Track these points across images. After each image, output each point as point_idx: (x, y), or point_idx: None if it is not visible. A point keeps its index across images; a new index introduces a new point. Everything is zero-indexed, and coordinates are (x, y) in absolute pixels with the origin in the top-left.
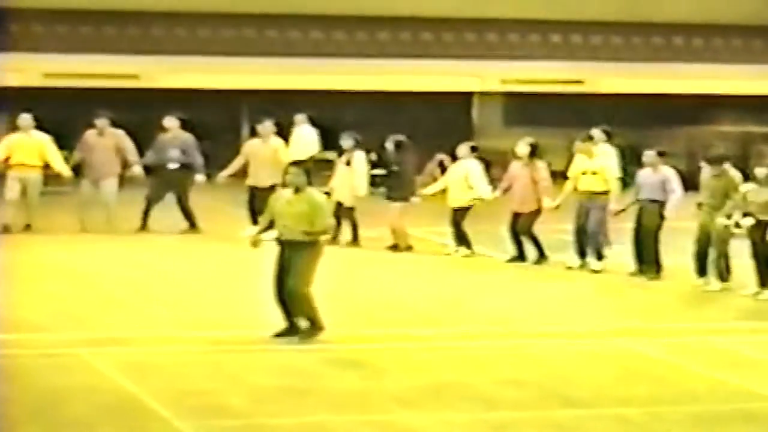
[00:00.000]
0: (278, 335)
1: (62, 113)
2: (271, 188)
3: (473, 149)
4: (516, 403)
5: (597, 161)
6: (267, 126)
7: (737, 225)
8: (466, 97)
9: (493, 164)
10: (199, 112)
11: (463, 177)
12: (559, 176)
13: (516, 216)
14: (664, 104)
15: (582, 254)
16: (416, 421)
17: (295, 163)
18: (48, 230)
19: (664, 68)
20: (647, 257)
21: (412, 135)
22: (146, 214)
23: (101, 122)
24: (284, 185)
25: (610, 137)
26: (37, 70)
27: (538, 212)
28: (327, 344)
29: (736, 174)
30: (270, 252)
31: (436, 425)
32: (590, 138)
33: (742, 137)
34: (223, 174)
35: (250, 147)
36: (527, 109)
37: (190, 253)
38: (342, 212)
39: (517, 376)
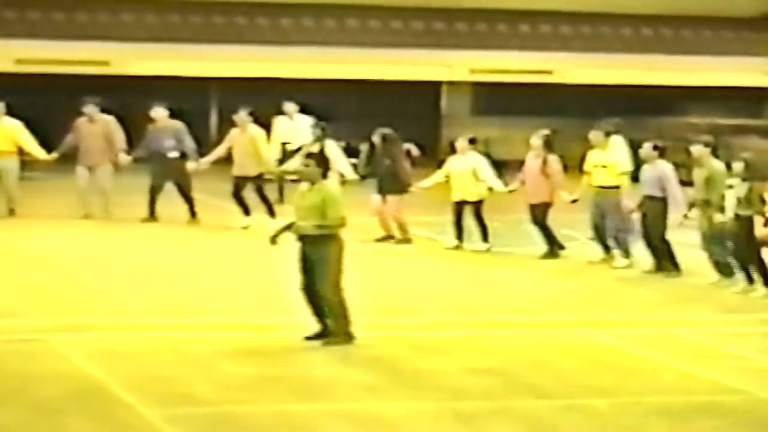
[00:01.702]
0: (309, 338)
1: (35, 99)
2: (258, 177)
3: (471, 141)
4: (484, 392)
5: (607, 155)
6: (242, 115)
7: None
8: (435, 86)
9: None
10: (168, 98)
11: (470, 171)
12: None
13: (529, 207)
14: (633, 95)
15: (606, 248)
16: (384, 409)
17: (309, 155)
18: (24, 216)
19: (633, 59)
20: (658, 254)
21: (380, 124)
22: (152, 203)
23: (90, 109)
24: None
25: (617, 131)
26: (9, 56)
27: (548, 205)
28: (296, 332)
29: (716, 164)
30: (246, 242)
31: (404, 414)
32: (609, 132)
33: (711, 129)
34: (205, 160)
35: (232, 136)
36: (496, 98)
37: (165, 240)
38: None
39: (486, 365)
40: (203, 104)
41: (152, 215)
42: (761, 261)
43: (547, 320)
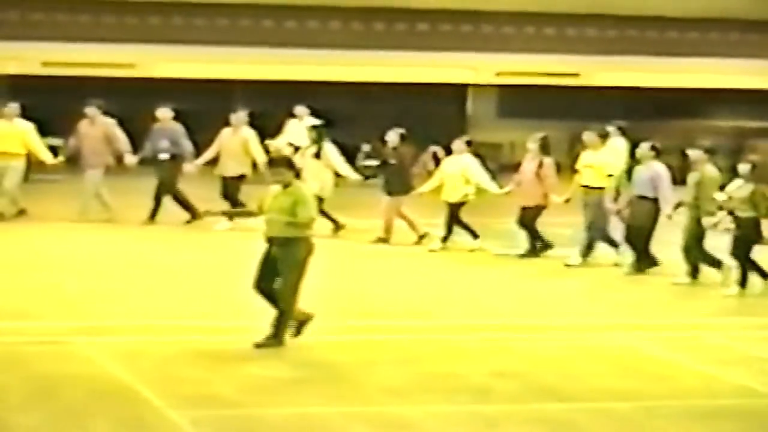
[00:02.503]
0: (258, 345)
1: (61, 101)
2: (239, 178)
3: (468, 144)
4: (507, 395)
5: (599, 156)
6: (240, 116)
7: (715, 224)
8: (461, 89)
9: (487, 157)
10: (194, 101)
11: (460, 172)
12: (558, 170)
13: (521, 209)
14: (659, 98)
15: (614, 246)
16: (408, 412)
17: (274, 162)
18: (40, 218)
19: (658, 62)
20: (637, 252)
21: (406, 127)
22: (183, 205)
23: (91, 111)
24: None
25: (624, 132)
26: (35, 59)
27: (540, 207)
28: (319, 335)
29: (708, 169)
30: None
31: (427, 417)
32: (603, 134)
33: (736, 131)
34: (197, 162)
35: (222, 136)
36: (522, 101)
37: (182, 242)
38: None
39: (509, 368)
40: (229, 107)
41: (194, 216)
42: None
43: (569, 323)
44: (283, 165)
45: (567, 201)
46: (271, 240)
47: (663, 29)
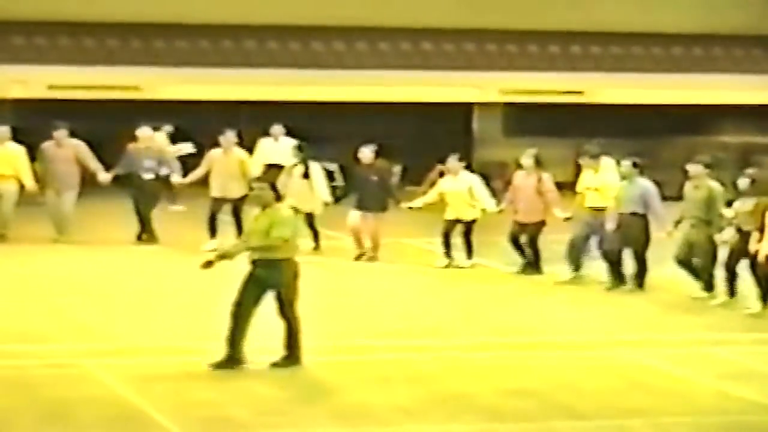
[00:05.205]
0: (217, 366)
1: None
2: (242, 199)
3: (460, 160)
4: (520, 414)
5: (599, 177)
6: (229, 136)
7: (725, 240)
8: (466, 107)
9: (493, 175)
10: (198, 122)
11: (467, 190)
12: (563, 187)
13: (519, 226)
14: (665, 114)
15: (576, 268)
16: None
17: (259, 179)
18: (48, 241)
19: (664, 78)
20: (631, 270)
21: (412, 146)
22: (142, 225)
23: (59, 133)
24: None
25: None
26: (41, 82)
27: (543, 223)
28: (330, 355)
29: (715, 184)
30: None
31: None
32: (594, 155)
33: (743, 147)
34: (183, 181)
35: (213, 158)
36: (527, 119)
37: (187, 263)
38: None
39: (521, 386)
40: (234, 128)
41: (145, 235)
42: (734, 273)
43: (580, 340)
44: (266, 182)
45: (568, 219)
46: (255, 262)
47: (667, 46)
